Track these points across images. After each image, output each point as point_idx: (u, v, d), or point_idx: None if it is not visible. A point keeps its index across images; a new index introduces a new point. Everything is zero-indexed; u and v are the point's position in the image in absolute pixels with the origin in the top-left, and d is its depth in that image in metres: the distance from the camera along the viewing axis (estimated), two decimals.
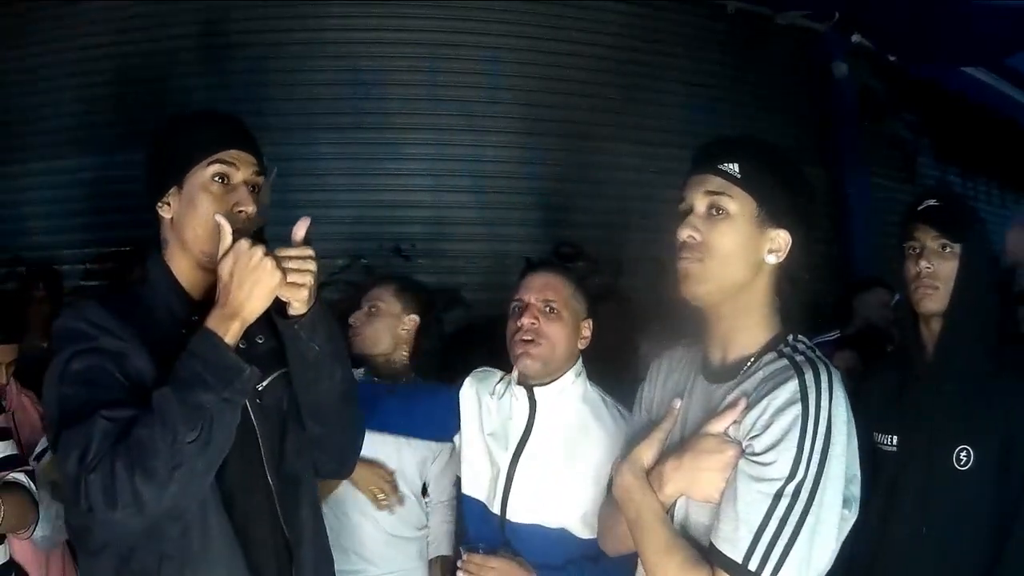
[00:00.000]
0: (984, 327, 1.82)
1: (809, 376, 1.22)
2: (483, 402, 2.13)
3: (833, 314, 3.60)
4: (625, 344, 2.77)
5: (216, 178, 1.45)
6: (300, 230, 1.42)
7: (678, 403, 1.39)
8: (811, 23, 5.39)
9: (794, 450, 1.18)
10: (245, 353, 1.44)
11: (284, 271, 1.36)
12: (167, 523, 1.33)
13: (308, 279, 1.39)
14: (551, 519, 1.92)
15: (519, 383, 2.04)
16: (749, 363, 1.31)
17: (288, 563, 1.48)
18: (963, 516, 1.76)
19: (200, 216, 1.43)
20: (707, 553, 1.24)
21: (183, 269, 1.48)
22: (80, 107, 4.43)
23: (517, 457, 2.00)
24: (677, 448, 1.33)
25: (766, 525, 1.17)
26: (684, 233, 1.31)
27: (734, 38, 5.10)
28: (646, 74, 4.81)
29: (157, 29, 4.42)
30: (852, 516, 1.27)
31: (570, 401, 2.02)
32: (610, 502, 1.45)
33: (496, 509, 1.99)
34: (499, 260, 4.37)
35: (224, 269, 1.35)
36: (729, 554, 1.19)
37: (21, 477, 2.21)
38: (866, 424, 1.62)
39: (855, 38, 5.47)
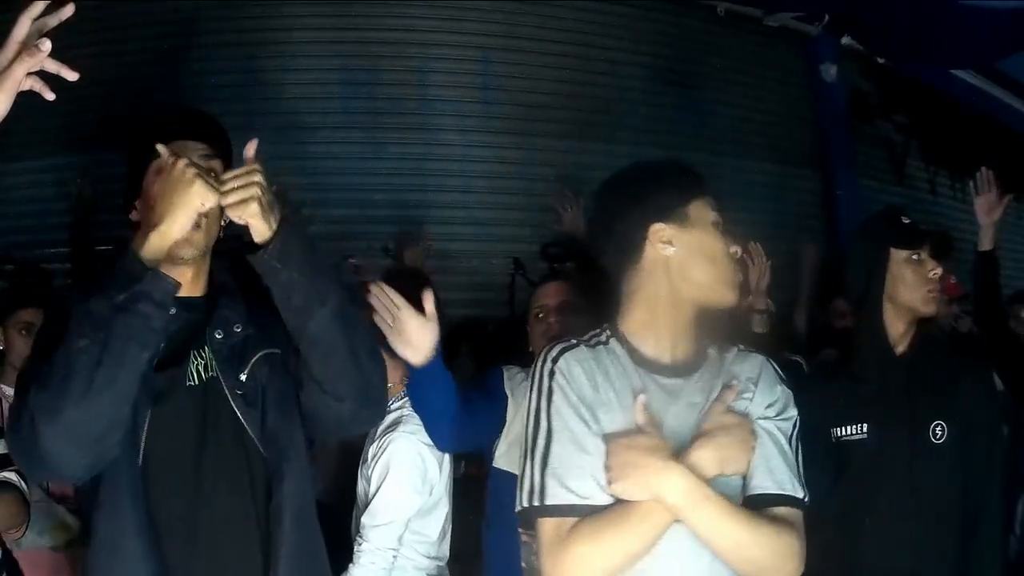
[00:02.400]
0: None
1: (765, 357, 1.54)
2: (515, 393, 2.30)
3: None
4: None
5: (158, 172, 1.42)
6: (250, 150, 1.41)
7: (643, 398, 1.40)
8: (801, 25, 5.40)
9: (795, 407, 1.49)
10: (221, 343, 1.44)
11: (219, 190, 1.35)
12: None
13: (252, 192, 1.35)
14: None
15: None
16: (704, 353, 1.50)
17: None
18: (943, 487, 2.00)
19: (153, 208, 1.40)
20: (768, 505, 1.40)
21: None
22: (68, 106, 4.40)
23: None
24: (687, 441, 1.40)
25: (790, 462, 1.44)
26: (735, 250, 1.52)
27: (724, 40, 5.11)
28: (636, 75, 4.81)
29: (145, 28, 4.40)
30: None
31: None
32: (597, 522, 1.37)
33: None
34: (488, 260, 4.37)
35: (155, 187, 1.38)
36: (791, 492, 1.42)
37: (12, 476, 2.19)
38: (824, 422, 2.07)
39: (845, 40, 5.48)
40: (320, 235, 4.07)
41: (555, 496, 1.34)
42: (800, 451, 1.47)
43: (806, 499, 1.43)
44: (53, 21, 1.26)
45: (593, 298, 2.30)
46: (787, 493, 1.42)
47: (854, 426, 2.08)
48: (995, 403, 2.07)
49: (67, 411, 1.25)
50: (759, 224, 4.63)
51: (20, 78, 1.19)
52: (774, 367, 1.51)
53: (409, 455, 2.28)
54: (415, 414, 2.22)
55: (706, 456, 1.36)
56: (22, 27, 1.21)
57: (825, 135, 5.43)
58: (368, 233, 4.33)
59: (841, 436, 2.08)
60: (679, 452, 1.36)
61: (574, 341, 1.48)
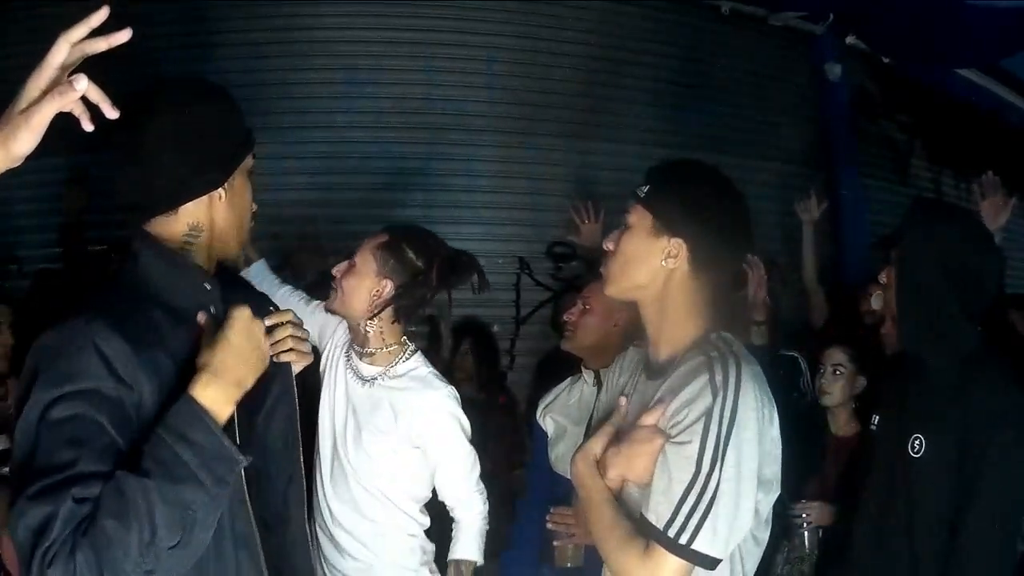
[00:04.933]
0: (933, 326, 1.92)
1: (719, 369, 1.40)
2: (550, 417, 2.65)
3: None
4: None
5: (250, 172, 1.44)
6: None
7: (623, 400, 1.59)
8: (805, 24, 5.39)
9: (702, 433, 1.36)
10: None
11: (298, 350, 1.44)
12: None
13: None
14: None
15: (586, 367, 2.54)
16: (676, 361, 1.49)
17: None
18: (916, 500, 1.92)
19: (247, 205, 1.43)
20: (639, 524, 1.41)
21: (202, 262, 1.38)
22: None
23: (588, 426, 2.26)
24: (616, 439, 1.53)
25: (685, 499, 1.35)
26: (604, 243, 1.60)
27: (728, 39, 5.11)
28: (641, 75, 4.81)
29: (149, 27, 4.39)
30: (772, 494, 1.45)
31: None
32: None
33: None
34: (493, 260, 4.37)
35: (230, 334, 1.26)
36: (655, 523, 1.36)
37: None
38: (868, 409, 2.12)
39: (849, 39, 5.48)
40: (324, 235, 4.10)
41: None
42: (711, 490, 1.34)
43: (673, 534, 1.33)
44: (102, 45, 1.09)
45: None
46: (646, 517, 1.38)
47: (875, 416, 2.13)
48: (1003, 434, 1.79)
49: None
50: (763, 224, 4.64)
51: (48, 118, 1.04)
52: (713, 385, 1.37)
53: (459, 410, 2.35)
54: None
55: (607, 457, 1.50)
56: (60, 52, 1.05)
57: (829, 134, 5.43)
58: (371, 233, 4.32)
59: (871, 423, 2.16)
60: None
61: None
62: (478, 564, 2.41)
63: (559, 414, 2.64)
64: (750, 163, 4.90)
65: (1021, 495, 1.83)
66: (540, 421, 2.68)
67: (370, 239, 2.30)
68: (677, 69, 4.91)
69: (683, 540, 1.33)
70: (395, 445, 2.26)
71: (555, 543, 2.39)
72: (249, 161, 1.42)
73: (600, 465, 1.51)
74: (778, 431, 1.45)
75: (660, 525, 1.35)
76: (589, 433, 1.70)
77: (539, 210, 4.42)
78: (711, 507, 1.34)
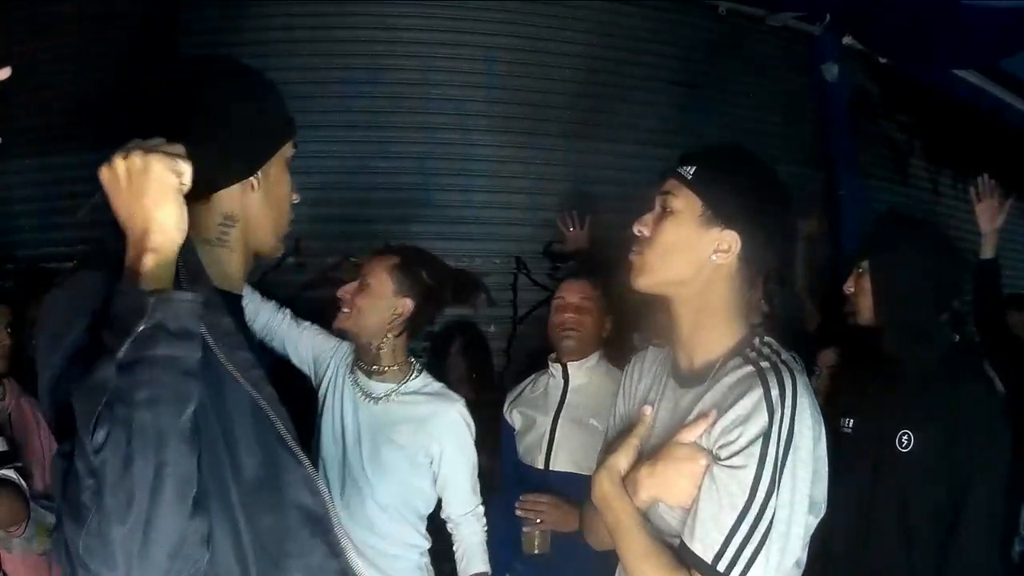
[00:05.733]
0: (916, 326, 2.09)
1: (774, 383, 1.27)
2: (517, 411, 2.81)
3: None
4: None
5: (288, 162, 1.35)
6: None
7: (649, 410, 1.43)
8: (803, 25, 5.38)
9: (759, 456, 1.23)
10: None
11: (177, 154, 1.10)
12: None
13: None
14: (586, 466, 2.23)
15: (555, 361, 2.74)
16: (715, 368, 1.35)
17: None
18: (905, 494, 2.01)
19: (284, 196, 1.34)
20: (680, 553, 1.29)
21: (239, 254, 1.30)
22: (68, 105, 4.40)
23: (556, 418, 2.64)
24: (650, 455, 1.37)
25: (737, 529, 1.22)
26: (635, 227, 1.40)
27: (726, 39, 5.10)
28: (639, 75, 4.80)
29: (145, 27, 4.39)
30: (818, 517, 1.34)
31: (596, 374, 2.70)
32: (592, 505, 1.47)
33: (541, 463, 2.64)
34: (490, 259, 4.36)
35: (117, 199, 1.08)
36: (701, 554, 1.25)
37: (12, 474, 2.19)
38: (835, 412, 2.14)
39: (847, 40, 5.46)
40: (321, 235, 4.09)
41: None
42: (766, 519, 1.23)
43: (723, 568, 1.23)
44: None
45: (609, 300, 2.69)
46: (691, 548, 1.26)
47: (847, 419, 2.22)
48: (990, 423, 1.98)
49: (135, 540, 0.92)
50: None
51: None
52: (769, 402, 1.26)
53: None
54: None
55: (640, 477, 1.35)
56: None
57: (827, 135, 5.42)
58: (368, 233, 4.32)
59: (839, 426, 2.21)
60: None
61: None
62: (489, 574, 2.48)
63: (526, 407, 2.76)
64: None
65: (1008, 472, 1.98)
66: (507, 416, 2.78)
67: (379, 260, 2.39)
68: (675, 69, 4.90)
69: (735, 574, 1.23)
70: (412, 458, 2.34)
71: (524, 529, 2.45)
72: (288, 150, 1.35)
73: (628, 483, 1.36)
74: (825, 449, 1.33)
75: (708, 557, 1.24)
76: (608, 440, 1.56)
77: (537, 210, 4.41)
78: (766, 537, 1.23)
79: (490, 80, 4.50)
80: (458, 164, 4.45)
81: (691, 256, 1.35)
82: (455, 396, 2.46)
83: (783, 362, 1.32)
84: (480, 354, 3.85)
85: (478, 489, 2.49)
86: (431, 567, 2.48)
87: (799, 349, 3.51)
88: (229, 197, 1.27)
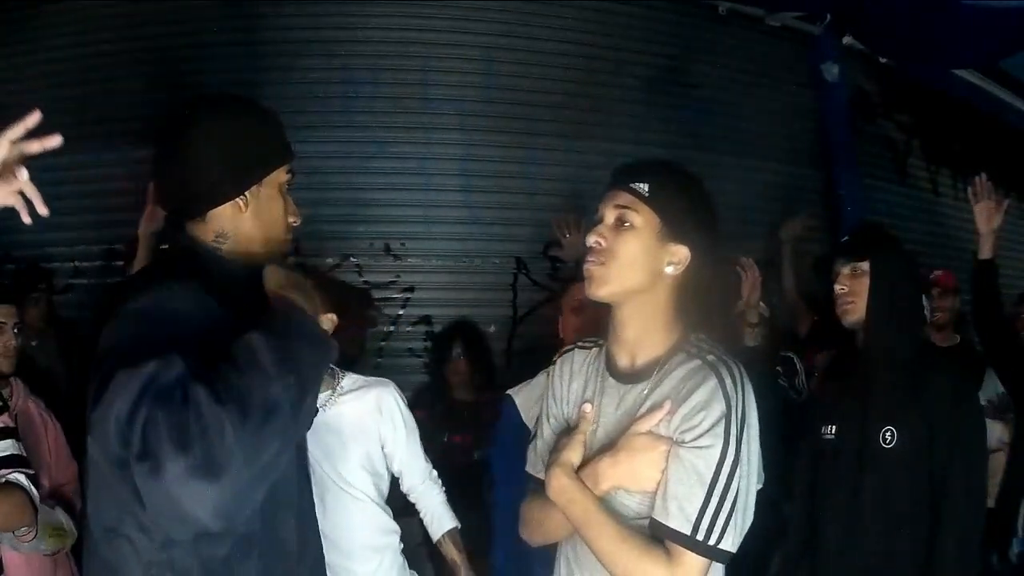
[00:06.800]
0: (902, 326, 2.23)
1: (725, 373, 1.42)
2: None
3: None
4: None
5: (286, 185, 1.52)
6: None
7: (589, 408, 1.53)
8: (803, 24, 5.39)
9: (723, 436, 1.38)
10: None
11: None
12: None
13: None
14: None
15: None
16: (660, 365, 1.47)
17: None
18: (891, 489, 2.13)
19: (275, 219, 1.48)
20: (653, 532, 1.40)
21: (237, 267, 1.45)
22: (69, 105, 4.40)
23: (536, 422, 2.58)
24: (607, 448, 1.48)
25: (708, 501, 1.37)
26: (591, 239, 1.48)
27: (726, 39, 5.10)
28: (638, 75, 4.80)
29: (147, 28, 4.40)
30: (760, 484, 1.50)
31: None
32: (539, 501, 1.56)
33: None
34: (490, 259, 4.37)
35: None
36: (679, 528, 1.37)
37: (21, 478, 2.18)
38: (817, 421, 2.32)
39: (847, 40, 5.47)
40: (321, 235, 4.09)
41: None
42: (733, 490, 1.38)
43: (702, 537, 1.36)
44: (36, 148, 1.26)
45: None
46: (668, 525, 1.38)
47: (829, 426, 2.29)
48: (965, 410, 2.16)
49: (265, 448, 1.13)
50: (760, 224, 4.64)
51: None
52: (724, 389, 1.40)
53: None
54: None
55: (601, 468, 1.45)
56: (2, 148, 1.22)
57: (827, 134, 5.42)
58: (368, 233, 4.33)
59: (821, 434, 2.31)
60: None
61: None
62: (459, 528, 2.64)
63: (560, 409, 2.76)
64: (748, 163, 4.90)
65: (985, 448, 2.23)
66: (525, 416, 2.65)
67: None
68: (675, 69, 4.90)
69: (712, 541, 1.36)
70: (366, 447, 2.49)
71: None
72: (282, 176, 1.48)
73: (588, 476, 1.46)
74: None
75: (687, 530, 1.36)
76: (545, 439, 1.64)
77: (536, 210, 4.40)
78: (733, 506, 1.38)
79: (490, 80, 4.50)
80: (458, 165, 4.45)
81: (648, 268, 1.46)
82: (384, 379, 2.59)
83: (725, 354, 1.46)
84: (480, 354, 3.85)
85: (423, 454, 2.63)
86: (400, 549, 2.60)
87: (795, 350, 3.56)
88: (222, 215, 1.43)
